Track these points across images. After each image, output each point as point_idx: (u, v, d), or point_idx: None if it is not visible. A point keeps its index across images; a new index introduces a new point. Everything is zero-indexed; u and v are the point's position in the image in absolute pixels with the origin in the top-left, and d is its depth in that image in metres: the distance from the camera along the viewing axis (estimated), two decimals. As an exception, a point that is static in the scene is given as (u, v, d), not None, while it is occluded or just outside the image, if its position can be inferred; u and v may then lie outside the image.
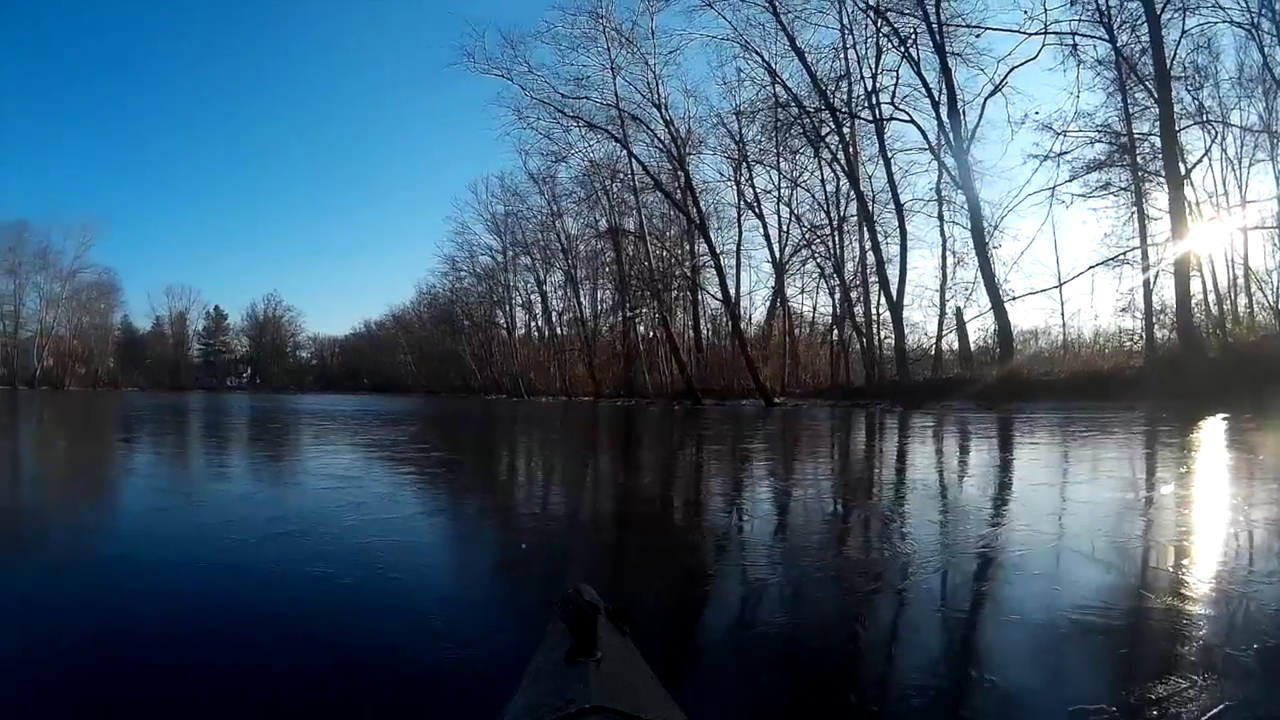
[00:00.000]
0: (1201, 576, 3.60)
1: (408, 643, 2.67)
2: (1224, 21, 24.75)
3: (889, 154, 30.86)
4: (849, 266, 34.68)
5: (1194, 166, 26.49)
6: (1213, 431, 11.88)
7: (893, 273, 30.85)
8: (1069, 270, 30.76)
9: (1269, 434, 11.30)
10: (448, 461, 10.50)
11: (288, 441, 13.57)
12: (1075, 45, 26.49)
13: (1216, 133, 27.06)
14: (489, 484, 8.69)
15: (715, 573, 4.08)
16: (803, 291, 40.24)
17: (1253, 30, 24.70)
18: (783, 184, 36.85)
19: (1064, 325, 32.74)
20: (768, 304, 41.19)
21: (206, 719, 2.14)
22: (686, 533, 5.42)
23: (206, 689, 2.31)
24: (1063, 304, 32.28)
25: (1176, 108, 25.04)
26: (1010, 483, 7.56)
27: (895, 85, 30.53)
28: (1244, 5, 24.19)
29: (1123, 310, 29.51)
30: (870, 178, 32.48)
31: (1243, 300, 27.72)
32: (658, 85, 33.90)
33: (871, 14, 29.42)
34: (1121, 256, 28.44)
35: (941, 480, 8.11)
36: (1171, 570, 3.77)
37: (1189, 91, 26.20)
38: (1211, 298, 27.26)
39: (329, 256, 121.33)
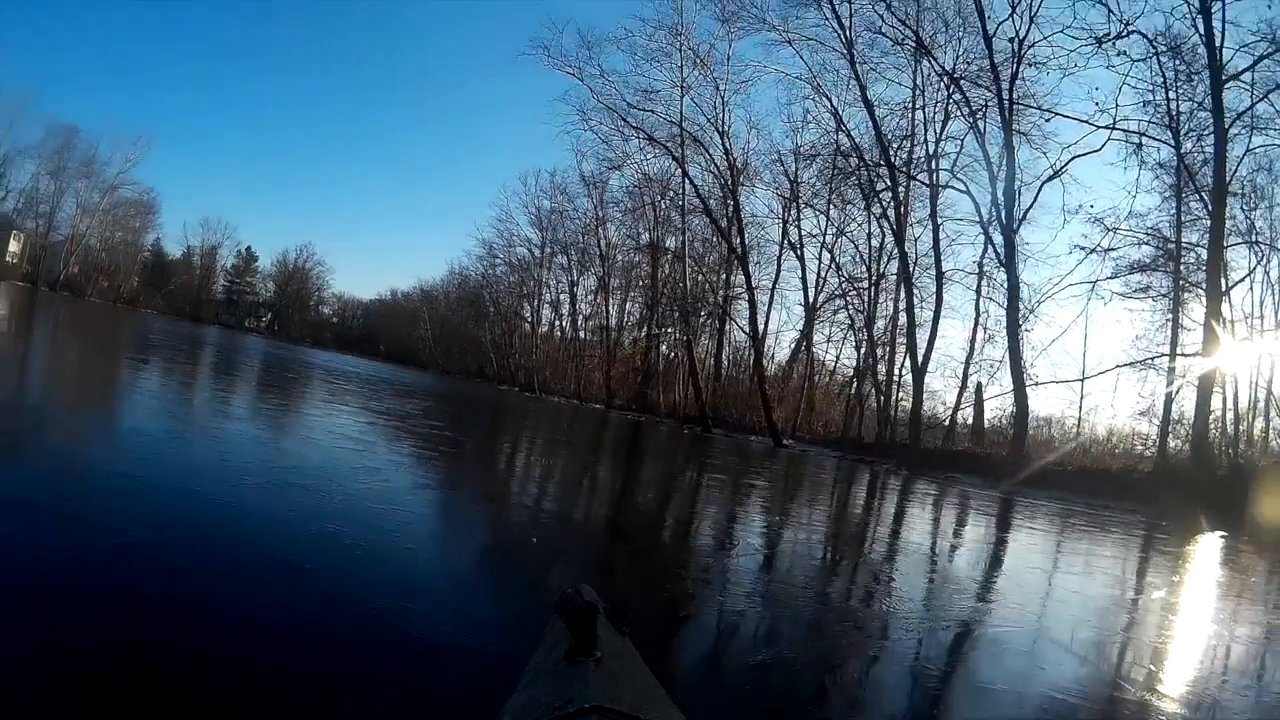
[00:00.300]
0: (1175, 679, 3.71)
1: (417, 610, 2.81)
2: (1288, 145, 24.78)
3: (939, 220, 30.95)
4: (879, 323, 34.81)
5: (1235, 285, 26.46)
6: (1209, 547, 11.92)
7: (922, 337, 30.94)
8: (1094, 364, 30.77)
9: (1263, 558, 11.35)
10: (458, 443, 10.67)
11: (305, 394, 13.78)
12: (1140, 145, 26.58)
13: (1263, 255, 27.10)
14: (497, 473, 8.88)
15: (697, 595, 4.25)
16: (829, 340, 40.26)
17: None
18: (829, 230, 37.06)
19: (1080, 418, 32.74)
20: (793, 346, 41.34)
21: (222, 651, 2.26)
22: (678, 554, 5.64)
23: (221, 625, 2.44)
24: (1082, 398, 32.31)
25: (1228, 224, 25.09)
26: (1003, 562, 7.69)
27: (958, 154, 30.72)
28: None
29: (1141, 414, 29.50)
30: (916, 240, 32.61)
31: (1259, 424, 27.66)
32: (724, 111, 34.04)
33: (946, 79, 29.59)
34: (1149, 361, 28.47)
35: (926, 549, 8.16)
36: (1146, 668, 3.87)
37: (1243, 210, 26.25)
38: (1229, 416, 27.20)
39: (367, 219, 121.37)
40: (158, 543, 3.05)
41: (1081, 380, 30.90)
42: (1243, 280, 26.82)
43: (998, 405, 31.38)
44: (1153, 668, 3.90)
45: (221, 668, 2.12)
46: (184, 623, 2.37)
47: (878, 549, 7.42)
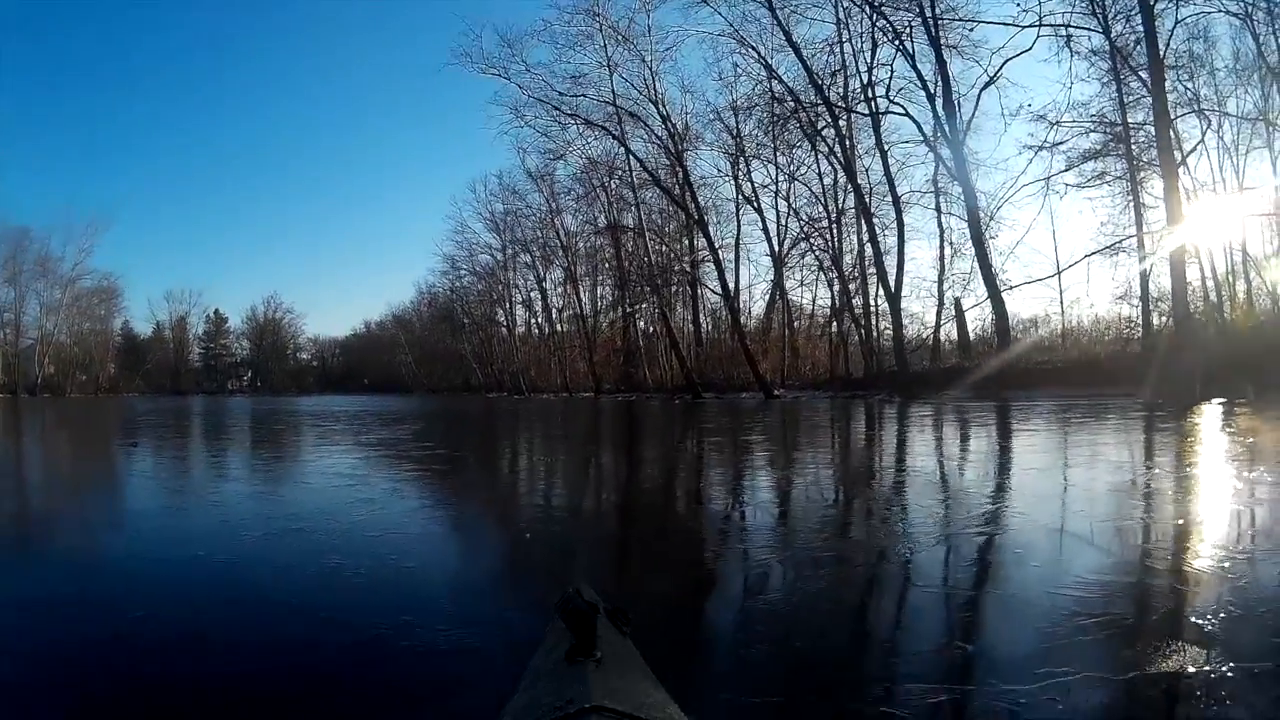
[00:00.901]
0: (1181, 555, 3.81)
1: (419, 622, 2.82)
2: (1218, 11, 24.88)
3: (885, 146, 31.13)
4: (847, 259, 34.94)
5: (1188, 154, 26.67)
6: (1205, 417, 12.01)
7: (891, 264, 31.06)
8: (1067, 259, 31.04)
9: (1260, 418, 11.43)
10: (451, 458, 10.64)
11: (294, 443, 13.73)
12: (1069, 37, 26.68)
13: (1209, 122, 27.24)
14: (492, 478, 8.89)
15: (718, 554, 4.28)
16: (802, 284, 40.57)
17: (1247, 19, 24.84)
18: (780, 178, 37.21)
19: (1063, 314, 33.04)
20: (767, 297, 41.47)
21: (237, 688, 2.29)
22: (687, 520, 5.60)
23: (237, 667, 2.48)
24: (1061, 293, 32.55)
25: (1172, 96, 25.23)
26: (1003, 468, 7.70)
27: (890, 78, 30.85)
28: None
29: (1119, 298, 29.76)
30: (867, 170, 32.79)
31: (1241, 286, 27.91)
32: (654, 82, 34.05)
33: (867, 8, 29.58)
34: (1117, 245, 28.68)
35: (932, 466, 8.23)
36: (1150, 550, 3.96)
37: (1182, 81, 26.39)
38: (1210, 284, 27.47)
39: (329, 258, 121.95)
40: (164, 614, 3.08)
41: (1054, 275, 31.25)
42: (1194, 150, 27.05)
43: (977, 316, 31.67)
44: (1152, 550, 3.98)
45: (235, 696, 2.23)
46: (194, 673, 2.44)
47: (881, 477, 7.49)
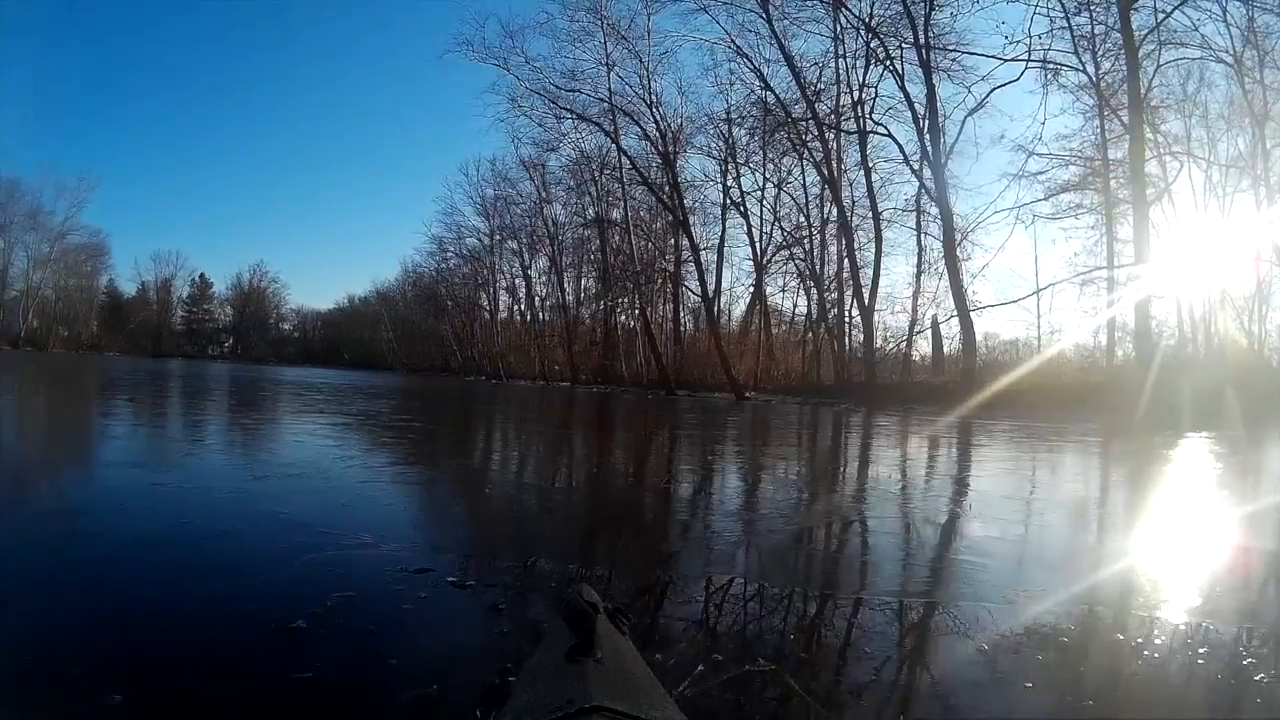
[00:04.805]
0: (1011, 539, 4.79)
1: (393, 538, 3.66)
2: (1203, 57, 25.54)
3: (870, 163, 31.97)
4: (828, 269, 35.57)
5: (1160, 195, 27.35)
6: (1146, 445, 12.34)
7: (867, 277, 31.72)
8: (1046, 285, 31.80)
9: (1199, 449, 11.84)
10: (427, 431, 11.36)
11: (280, 409, 14.42)
12: (1056, 72, 27.33)
13: (1183, 164, 27.99)
14: (463, 448, 9.75)
15: (648, 531, 5.06)
16: (783, 290, 41.29)
17: (1235, 66, 25.45)
18: (767, 186, 37.83)
19: (1039, 338, 33.83)
20: (747, 300, 42.02)
21: (252, 579, 3.01)
22: (622, 486, 6.40)
23: (246, 564, 3.23)
24: (1039, 317, 33.37)
25: (1158, 137, 25.85)
26: (949, 486, 8.09)
27: (874, 98, 31.72)
28: (1229, 43, 25.03)
29: (1090, 333, 30.53)
30: (852, 184, 33.43)
31: (1219, 323, 28.61)
32: (650, 82, 34.52)
33: (863, 30, 30.16)
34: (1086, 276, 29.42)
35: (863, 468, 8.89)
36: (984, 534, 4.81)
37: (1160, 126, 27.09)
38: (1187, 321, 28.28)
39: (317, 229, 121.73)
40: (203, 519, 3.99)
41: (1023, 299, 32.31)
42: (1167, 190, 27.74)
43: (949, 332, 32.32)
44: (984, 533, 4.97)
45: (250, 569, 3.02)
46: (224, 556, 3.29)
47: (821, 481, 7.95)
